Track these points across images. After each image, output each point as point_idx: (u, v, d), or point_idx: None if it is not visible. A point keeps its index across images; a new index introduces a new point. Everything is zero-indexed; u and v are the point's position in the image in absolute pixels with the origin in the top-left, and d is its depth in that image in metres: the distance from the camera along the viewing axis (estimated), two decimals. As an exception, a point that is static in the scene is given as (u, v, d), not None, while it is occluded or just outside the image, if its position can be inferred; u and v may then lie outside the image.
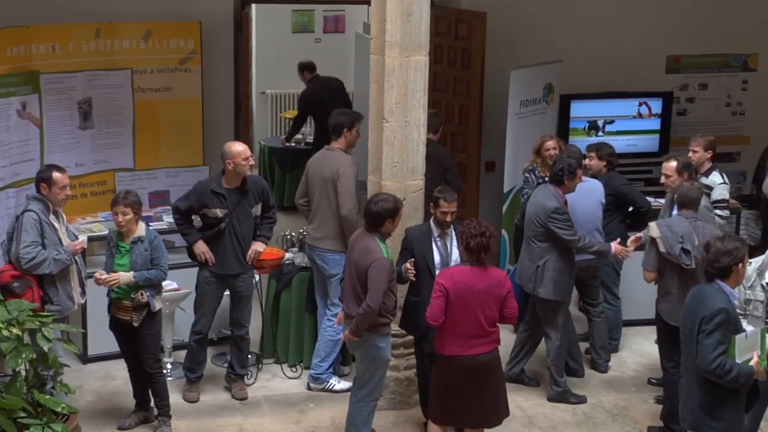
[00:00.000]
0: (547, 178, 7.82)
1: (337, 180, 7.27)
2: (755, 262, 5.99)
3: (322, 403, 7.41)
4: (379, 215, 6.34)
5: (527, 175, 8.27)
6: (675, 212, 7.07)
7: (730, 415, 5.35)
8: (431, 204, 6.75)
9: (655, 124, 10.20)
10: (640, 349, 8.28)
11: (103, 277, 6.58)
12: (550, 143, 8.21)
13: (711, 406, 5.33)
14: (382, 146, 7.01)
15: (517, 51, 9.59)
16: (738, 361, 5.23)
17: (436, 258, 6.61)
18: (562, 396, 7.47)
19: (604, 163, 8.07)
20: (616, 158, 8.18)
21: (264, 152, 12.08)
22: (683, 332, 5.47)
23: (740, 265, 5.36)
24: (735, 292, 5.44)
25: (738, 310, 5.87)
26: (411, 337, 7.12)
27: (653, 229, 6.88)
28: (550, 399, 7.50)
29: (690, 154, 7.99)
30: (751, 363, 5.28)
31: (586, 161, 8.01)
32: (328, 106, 10.97)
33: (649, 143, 10.15)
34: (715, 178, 7.95)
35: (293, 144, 11.87)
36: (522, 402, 7.46)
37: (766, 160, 9.14)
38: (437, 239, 6.64)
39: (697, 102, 10.61)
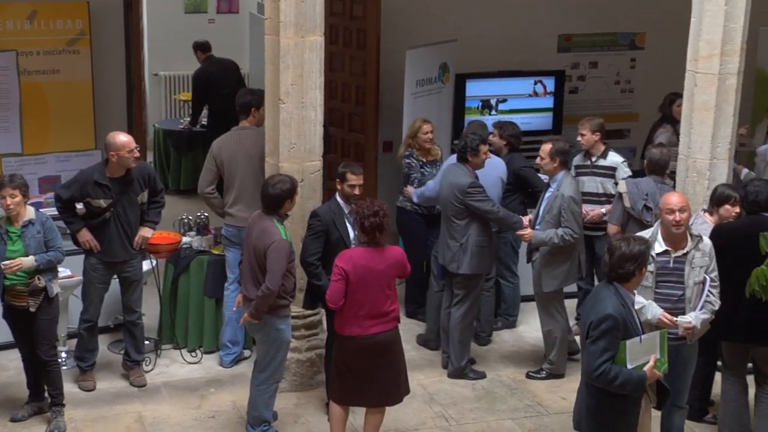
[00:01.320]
0: (424, 161, 8.15)
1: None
2: (645, 234, 6.15)
3: (223, 387, 7.35)
4: (279, 197, 6.31)
5: (407, 161, 8.31)
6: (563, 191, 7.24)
7: (609, 421, 5.21)
8: (337, 180, 6.72)
9: (548, 102, 10.38)
10: (537, 324, 8.42)
11: (7, 264, 6.38)
12: (427, 127, 8.27)
13: (596, 409, 5.22)
14: (279, 127, 6.97)
15: (412, 31, 9.63)
16: (630, 365, 5.08)
17: (351, 234, 6.60)
18: (462, 372, 7.57)
19: (505, 143, 8.19)
20: (520, 140, 8.31)
21: (159, 135, 11.87)
22: (581, 334, 5.40)
23: (643, 269, 5.25)
24: (631, 296, 5.26)
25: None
26: (313, 318, 7.12)
27: (622, 185, 7.38)
28: (450, 375, 7.60)
29: (579, 137, 8.13)
30: (646, 368, 5.14)
31: (490, 137, 8.15)
32: (221, 87, 10.94)
33: (542, 121, 10.32)
34: (615, 157, 8.08)
35: (188, 126, 11.68)
36: (423, 379, 7.54)
37: (652, 136, 9.38)
38: (348, 216, 6.63)
39: (588, 80, 10.84)
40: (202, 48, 11.30)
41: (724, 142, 7.24)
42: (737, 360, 6.51)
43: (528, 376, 7.61)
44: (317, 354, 7.21)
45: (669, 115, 9.26)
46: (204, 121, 11.58)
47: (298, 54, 6.86)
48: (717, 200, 6.67)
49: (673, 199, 6.07)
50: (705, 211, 6.78)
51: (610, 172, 7.98)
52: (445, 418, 7.03)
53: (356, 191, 6.64)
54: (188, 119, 11.76)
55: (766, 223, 6.19)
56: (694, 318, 5.93)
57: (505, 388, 7.49)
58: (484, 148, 7.41)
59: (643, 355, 5.14)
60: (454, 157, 7.84)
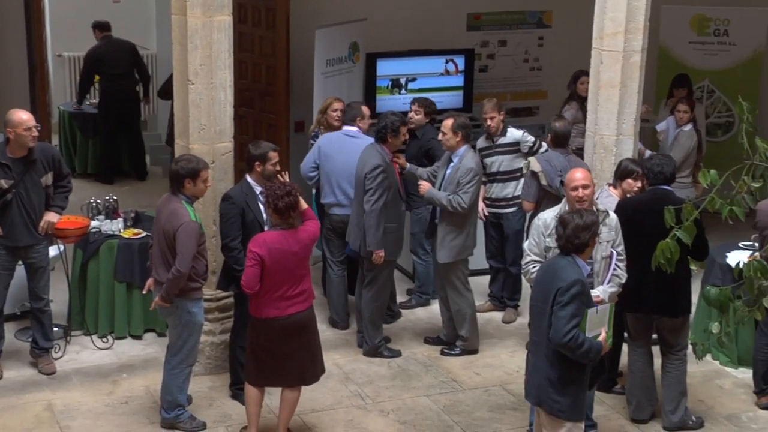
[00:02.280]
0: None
1: None
2: (553, 211, 6.25)
3: (136, 373, 7.25)
4: (178, 174, 6.22)
5: (313, 138, 8.32)
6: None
7: (576, 391, 5.30)
8: (256, 163, 6.62)
9: (458, 81, 10.44)
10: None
11: None
12: (337, 105, 8.26)
13: (558, 381, 5.26)
14: (188, 108, 6.87)
15: (321, 10, 9.58)
16: (588, 335, 5.18)
17: (265, 216, 6.54)
18: (377, 351, 7.61)
19: (428, 119, 8.26)
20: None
21: (64, 117, 11.59)
22: (533, 305, 5.42)
23: (595, 238, 5.37)
24: (587, 266, 5.41)
25: (539, 259, 6.15)
26: (226, 301, 7.06)
27: (534, 163, 7.40)
28: (366, 354, 7.63)
29: (488, 122, 8.03)
30: (599, 339, 5.25)
31: (410, 114, 8.20)
32: (113, 67, 10.80)
33: (453, 99, 10.38)
34: (514, 132, 8.10)
35: (76, 106, 11.48)
36: (338, 359, 7.56)
37: (561, 112, 9.50)
38: (260, 197, 6.57)
39: (497, 58, 10.94)
40: (100, 27, 11.12)
41: (630, 119, 7.40)
42: (643, 332, 6.68)
43: (442, 353, 7.67)
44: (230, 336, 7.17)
45: (575, 92, 9.40)
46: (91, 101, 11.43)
47: (206, 34, 6.76)
48: (620, 174, 6.82)
49: (577, 175, 6.17)
50: (610, 185, 6.92)
51: (515, 147, 8.05)
52: (360, 397, 7.06)
53: (278, 167, 6.61)
54: (75, 101, 11.58)
55: (669, 197, 6.35)
56: (602, 292, 6.05)
57: (420, 365, 7.55)
58: (404, 129, 7.43)
59: (597, 327, 5.24)
60: (332, 134, 7.94)
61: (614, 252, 6.13)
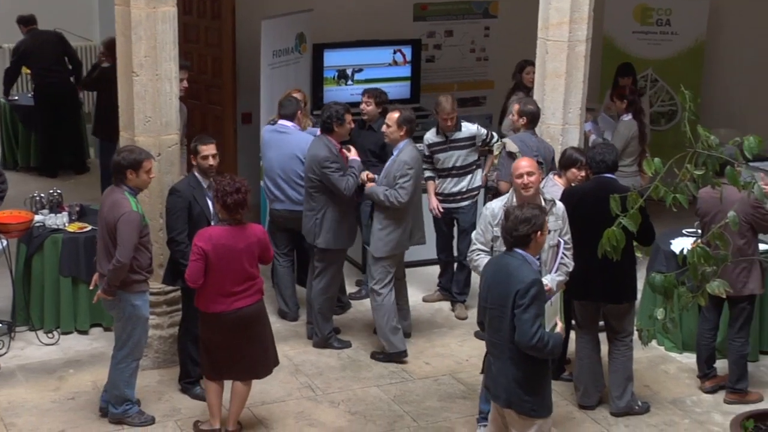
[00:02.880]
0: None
1: None
2: (501, 200, 6.29)
3: (83, 368, 7.17)
4: (120, 165, 6.16)
5: None
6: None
7: (543, 388, 5.28)
8: (191, 156, 6.60)
9: (406, 71, 10.45)
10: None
11: None
12: (298, 96, 8.24)
13: (526, 381, 5.21)
14: (133, 101, 6.79)
15: (267, 0, 9.52)
16: (547, 329, 5.16)
17: (212, 209, 6.49)
18: (326, 342, 7.60)
19: (380, 110, 8.23)
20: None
21: (5, 110, 11.39)
22: (490, 308, 5.30)
23: (539, 233, 5.27)
24: (536, 261, 5.34)
25: (485, 248, 6.20)
26: (174, 294, 7.01)
27: (510, 144, 7.38)
28: (315, 345, 7.62)
29: (448, 123, 7.85)
30: (558, 330, 5.24)
31: (362, 106, 8.18)
32: (42, 60, 10.71)
33: (400, 90, 10.39)
34: (469, 127, 7.98)
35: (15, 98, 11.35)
36: (288, 350, 7.54)
37: (507, 103, 9.58)
38: (207, 191, 6.52)
39: (444, 48, 10.96)
40: (24, 21, 11.00)
41: (575, 108, 7.47)
42: (590, 319, 6.75)
43: (372, 356, 7.53)
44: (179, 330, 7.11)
45: (521, 82, 9.45)
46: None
47: (150, 25, 6.68)
48: (565, 163, 6.88)
49: (522, 163, 6.21)
50: (555, 174, 6.98)
51: (471, 142, 8.04)
52: (311, 389, 7.06)
53: (211, 161, 6.52)
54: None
55: (613, 185, 6.43)
56: (550, 280, 6.11)
57: (369, 357, 7.55)
58: (348, 117, 7.39)
59: (552, 318, 5.24)
60: (268, 129, 7.95)
61: (561, 241, 6.19)
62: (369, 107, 8.23)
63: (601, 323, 6.80)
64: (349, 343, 7.67)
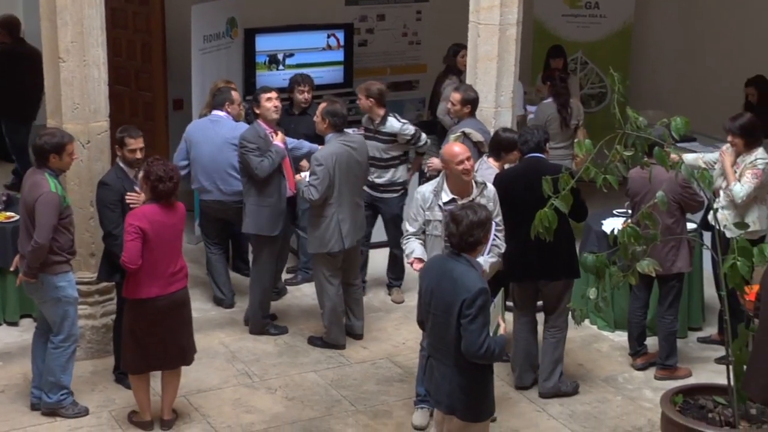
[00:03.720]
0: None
1: None
2: (432, 184, 6.30)
3: (13, 360, 7.05)
4: (42, 149, 6.07)
5: None
6: None
7: (487, 392, 5.23)
8: (116, 146, 6.51)
9: (338, 55, 10.42)
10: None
11: None
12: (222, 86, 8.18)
13: (471, 387, 5.16)
14: (60, 87, 6.66)
15: (197, -16, 9.40)
16: (491, 333, 5.09)
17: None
18: (263, 328, 7.57)
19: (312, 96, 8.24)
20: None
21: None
22: (434, 313, 5.18)
23: (488, 234, 5.21)
24: (480, 263, 5.27)
25: (417, 232, 6.21)
26: (107, 283, 6.91)
27: (475, 134, 7.36)
28: (251, 332, 7.58)
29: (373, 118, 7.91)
30: (501, 331, 5.18)
31: (297, 94, 8.16)
32: None
33: (333, 75, 10.37)
34: (394, 123, 7.85)
35: None
36: (224, 338, 7.50)
37: (439, 86, 9.61)
38: (135, 180, 6.42)
39: (377, 33, 10.96)
40: None
41: (507, 91, 7.52)
42: (528, 300, 6.82)
43: (309, 341, 7.52)
44: (113, 320, 7.02)
45: (453, 66, 9.48)
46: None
47: (76, 10, 6.55)
48: (507, 146, 6.88)
49: (456, 149, 6.18)
50: (488, 156, 7.01)
51: (392, 138, 7.87)
52: (248, 375, 7.03)
53: (138, 155, 6.42)
54: None
55: (542, 164, 6.49)
56: (483, 262, 6.15)
57: (306, 341, 7.54)
58: (264, 96, 7.30)
59: (495, 319, 5.15)
60: (198, 121, 7.95)
61: (493, 223, 6.23)
62: (304, 95, 8.21)
63: (540, 304, 6.87)
64: (286, 329, 7.65)
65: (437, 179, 6.34)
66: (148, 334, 6.08)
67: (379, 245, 8.49)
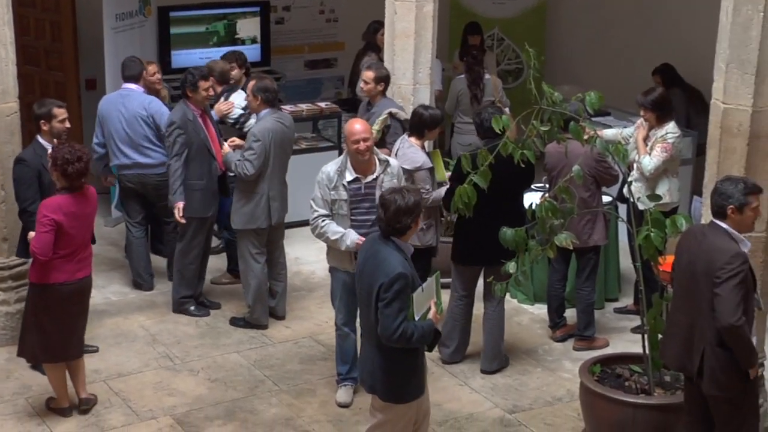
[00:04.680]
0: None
1: None
2: (336, 164, 6.19)
3: (-75, 351, 6.87)
4: None
5: None
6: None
7: (407, 375, 5.08)
8: (42, 121, 6.36)
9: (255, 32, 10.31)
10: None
11: None
12: (152, 68, 8.05)
13: (389, 369, 5.03)
14: (-34, 67, 6.47)
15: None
16: (417, 317, 4.94)
17: None
18: (182, 307, 7.48)
19: (244, 71, 8.13)
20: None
21: None
22: (360, 294, 5.13)
23: (418, 219, 5.06)
24: (410, 247, 5.10)
25: (326, 212, 6.15)
26: (21, 269, 6.76)
27: (400, 113, 7.33)
28: (174, 310, 7.48)
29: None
30: (430, 316, 5.02)
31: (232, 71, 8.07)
32: None
33: (250, 53, 10.21)
34: (238, 98, 7.87)
35: None
36: (144, 320, 7.41)
37: (359, 64, 9.59)
38: None
39: (293, 10, 10.86)
40: None
41: (425, 68, 7.54)
42: (469, 282, 6.78)
43: (231, 321, 7.47)
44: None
45: (373, 43, 9.47)
46: None
47: (-19, -12, 6.36)
48: (431, 124, 6.84)
49: (357, 127, 6.09)
50: (410, 135, 6.99)
51: (235, 121, 7.90)
52: (169, 358, 6.96)
53: (67, 124, 6.35)
54: None
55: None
56: (350, 242, 6.15)
57: (228, 322, 7.49)
58: (204, 84, 7.21)
59: (425, 303, 5.03)
60: (110, 95, 7.82)
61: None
62: (233, 72, 8.11)
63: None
64: (208, 311, 7.56)
65: (341, 158, 6.29)
66: (53, 321, 5.96)
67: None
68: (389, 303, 4.88)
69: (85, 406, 6.20)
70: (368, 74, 7.50)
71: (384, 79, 7.45)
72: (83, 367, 6.22)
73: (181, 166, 7.14)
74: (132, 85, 7.71)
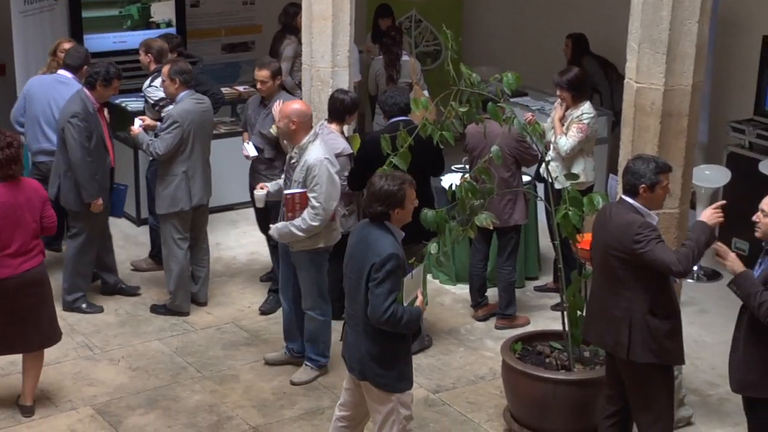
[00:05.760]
0: None
1: None
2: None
3: None
4: None
5: None
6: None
7: (400, 363, 5.03)
8: None
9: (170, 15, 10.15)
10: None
11: None
12: (67, 45, 7.88)
13: (381, 356, 4.98)
14: None
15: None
16: (405, 303, 4.91)
17: None
18: (74, 305, 7.29)
19: (177, 54, 8.01)
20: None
21: None
22: (349, 277, 5.08)
23: (397, 210, 4.94)
24: (401, 232, 5.02)
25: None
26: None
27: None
28: (64, 308, 7.21)
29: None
30: (417, 303, 4.99)
31: (141, 58, 7.90)
32: None
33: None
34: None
35: None
36: (61, 311, 7.22)
37: (278, 46, 9.53)
38: None
39: (209, -8, 10.74)
40: None
41: (343, 50, 7.50)
42: None
43: (152, 309, 7.38)
44: None
45: (291, 25, 9.40)
46: None
47: None
48: (352, 109, 6.82)
49: (293, 107, 6.18)
50: (329, 121, 6.92)
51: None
52: (88, 347, 6.84)
53: None
54: None
55: (411, 128, 6.45)
56: (273, 229, 6.22)
57: (149, 310, 7.39)
58: (117, 83, 7.11)
59: (413, 290, 5.01)
60: (43, 77, 7.62)
61: (310, 197, 6.09)
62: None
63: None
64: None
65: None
66: (6, 314, 5.80)
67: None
68: (380, 282, 4.84)
69: (28, 413, 6.05)
70: (263, 73, 7.04)
71: (278, 72, 7.21)
72: (38, 370, 6.06)
73: (81, 158, 6.95)
74: (68, 74, 7.53)
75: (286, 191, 6.19)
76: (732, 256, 4.91)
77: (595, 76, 9.19)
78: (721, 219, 5.04)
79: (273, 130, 6.93)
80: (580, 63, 8.97)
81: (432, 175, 6.79)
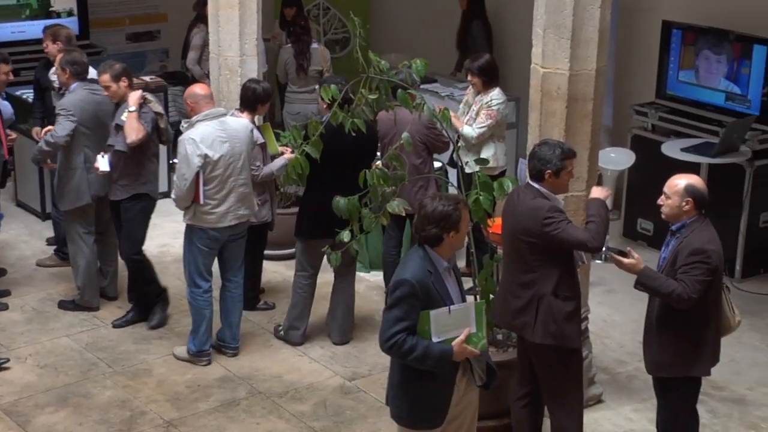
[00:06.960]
0: None
1: None
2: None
3: None
4: None
5: None
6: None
7: (417, 397, 4.63)
8: None
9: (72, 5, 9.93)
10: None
11: None
12: None
13: (399, 384, 4.68)
14: None
15: None
16: (436, 339, 4.49)
17: None
18: None
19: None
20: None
21: None
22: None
23: (452, 233, 4.54)
24: (442, 262, 4.62)
25: None
26: None
27: None
28: None
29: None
30: (454, 343, 4.53)
31: (45, 44, 7.64)
32: None
33: (68, 26, 9.84)
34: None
35: None
36: (-35, 310, 7.08)
37: (189, 35, 9.41)
38: None
39: (112, -20, 10.53)
40: None
41: (251, 39, 7.45)
42: (318, 258, 6.59)
43: (59, 304, 7.23)
44: None
45: (203, 14, 9.25)
46: None
47: None
48: (264, 99, 6.75)
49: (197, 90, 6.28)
50: (241, 110, 6.83)
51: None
52: (-6, 347, 6.68)
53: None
54: None
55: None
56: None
57: (53, 304, 7.23)
58: (5, 68, 7.01)
59: (454, 329, 4.55)
60: None
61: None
62: (48, 48, 7.74)
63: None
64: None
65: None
66: None
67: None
68: (390, 308, 4.54)
69: None
70: (102, 77, 6.67)
71: (121, 74, 6.69)
72: None
73: None
74: None
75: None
76: (625, 260, 5.04)
77: (477, 39, 9.50)
78: (610, 192, 5.15)
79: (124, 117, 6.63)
80: (471, 21, 9.34)
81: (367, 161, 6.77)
